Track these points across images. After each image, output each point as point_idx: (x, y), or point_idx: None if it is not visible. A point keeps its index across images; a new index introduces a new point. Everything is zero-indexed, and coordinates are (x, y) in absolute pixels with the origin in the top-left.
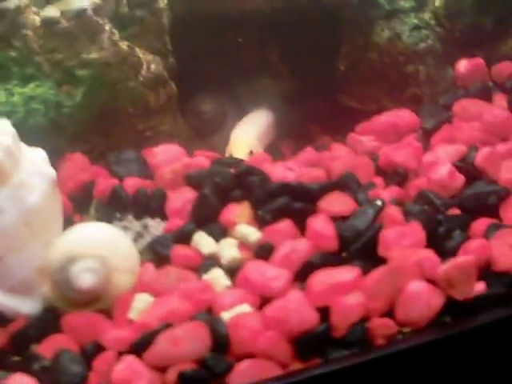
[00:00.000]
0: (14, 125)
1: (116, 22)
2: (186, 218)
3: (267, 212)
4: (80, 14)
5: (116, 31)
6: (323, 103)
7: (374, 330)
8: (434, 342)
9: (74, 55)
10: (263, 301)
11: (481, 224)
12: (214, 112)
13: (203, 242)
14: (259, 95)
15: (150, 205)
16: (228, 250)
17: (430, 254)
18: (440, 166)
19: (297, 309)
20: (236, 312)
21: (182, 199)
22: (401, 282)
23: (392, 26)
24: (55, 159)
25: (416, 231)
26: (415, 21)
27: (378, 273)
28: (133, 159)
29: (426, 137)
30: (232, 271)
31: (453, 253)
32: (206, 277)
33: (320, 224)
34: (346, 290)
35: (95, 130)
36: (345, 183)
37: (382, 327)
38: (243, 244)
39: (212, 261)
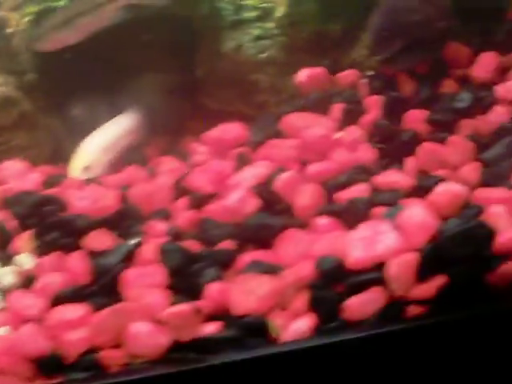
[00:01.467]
0: None
1: None
2: None
3: (43, 244)
4: None
5: None
6: (190, 104)
7: (103, 359)
8: (166, 375)
9: None
10: (22, 325)
11: (245, 260)
12: (84, 116)
13: None
14: (133, 93)
15: None
16: (6, 276)
17: (159, 296)
18: (235, 189)
19: (31, 337)
20: None
21: None
22: (125, 322)
23: (236, 36)
24: None
25: (157, 272)
26: (258, 31)
27: (103, 312)
28: None
29: (254, 151)
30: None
31: (198, 293)
32: None
33: (75, 260)
34: (74, 326)
35: None
36: (122, 215)
37: (110, 358)
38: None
39: None
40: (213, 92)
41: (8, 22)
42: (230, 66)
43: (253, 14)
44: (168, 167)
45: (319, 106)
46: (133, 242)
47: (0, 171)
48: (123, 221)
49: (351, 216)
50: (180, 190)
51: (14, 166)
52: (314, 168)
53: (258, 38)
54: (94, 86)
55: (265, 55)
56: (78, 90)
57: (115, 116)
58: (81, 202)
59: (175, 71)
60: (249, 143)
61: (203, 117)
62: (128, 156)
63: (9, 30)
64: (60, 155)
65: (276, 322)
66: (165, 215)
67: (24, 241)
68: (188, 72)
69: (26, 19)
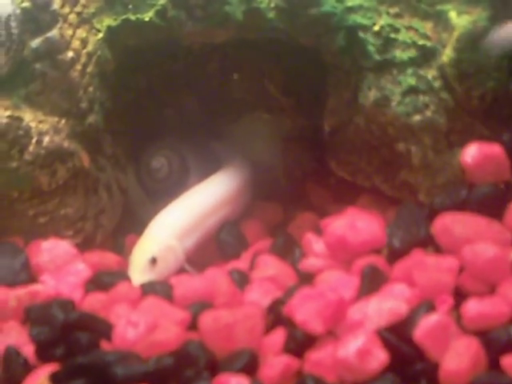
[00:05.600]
0: None
1: (14, 78)
2: None
3: None
4: None
5: None
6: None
7: None
8: None
9: None
10: None
11: None
12: (169, 168)
13: None
14: (236, 140)
15: None
16: None
17: None
18: (355, 331)
19: None
20: None
21: (4, 343)
22: None
23: (381, 84)
24: None
25: None
26: (412, 80)
27: None
28: (9, 256)
29: (393, 260)
30: None
31: None
32: None
33: None
34: None
35: None
36: (183, 360)
37: None
38: None
39: None
40: (342, 156)
41: (66, 43)
42: (368, 126)
43: (408, 54)
44: (268, 273)
45: (490, 204)
46: None
47: (36, 254)
48: (183, 368)
49: None
50: (275, 320)
51: (55, 248)
52: (474, 308)
53: (412, 90)
54: (185, 128)
55: (419, 117)
56: (160, 135)
57: (210, 173)
58: (130, 330)
59: (294, 116)
60: (385, 249)
61: (326, 187)
62: (221, 236)
63: (67, 55)
64: (132, 229)
65: None
66: (245, 361)
67: (39, 382)
68: (311, 121)
69: (98, 37)
